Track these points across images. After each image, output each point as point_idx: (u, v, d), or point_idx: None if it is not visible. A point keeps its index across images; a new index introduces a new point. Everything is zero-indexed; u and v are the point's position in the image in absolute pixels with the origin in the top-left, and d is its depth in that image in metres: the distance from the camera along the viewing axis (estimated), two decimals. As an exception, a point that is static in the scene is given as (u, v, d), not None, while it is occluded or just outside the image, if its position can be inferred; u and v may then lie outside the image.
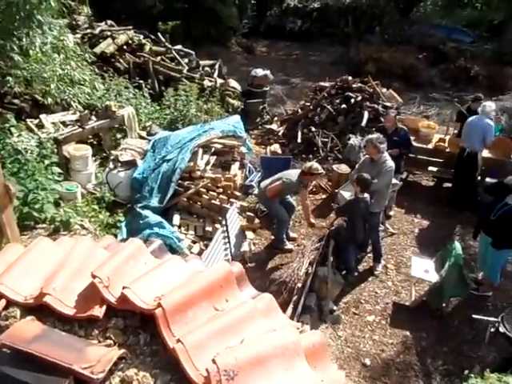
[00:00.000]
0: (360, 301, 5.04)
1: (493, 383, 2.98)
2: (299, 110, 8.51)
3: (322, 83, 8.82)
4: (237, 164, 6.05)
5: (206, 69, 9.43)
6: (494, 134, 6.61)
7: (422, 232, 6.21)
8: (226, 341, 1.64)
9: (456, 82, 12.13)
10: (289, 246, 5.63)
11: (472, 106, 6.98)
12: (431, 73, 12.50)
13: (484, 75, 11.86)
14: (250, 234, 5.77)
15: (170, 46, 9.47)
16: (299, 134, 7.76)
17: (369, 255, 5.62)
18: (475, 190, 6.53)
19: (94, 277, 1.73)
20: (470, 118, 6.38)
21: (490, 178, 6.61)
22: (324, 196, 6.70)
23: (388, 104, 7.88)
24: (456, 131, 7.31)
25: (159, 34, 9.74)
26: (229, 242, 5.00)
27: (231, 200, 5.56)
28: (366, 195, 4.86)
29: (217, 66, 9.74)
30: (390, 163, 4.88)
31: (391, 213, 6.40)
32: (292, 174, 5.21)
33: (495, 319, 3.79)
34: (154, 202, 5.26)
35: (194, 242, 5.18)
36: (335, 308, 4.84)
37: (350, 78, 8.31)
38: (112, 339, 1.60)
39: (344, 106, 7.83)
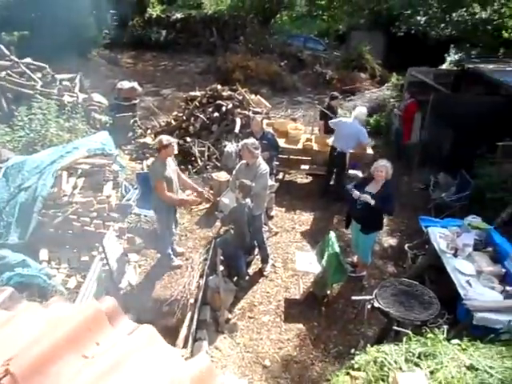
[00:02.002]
0: (254, 304, 5.12)
1: (373, 355, 3.27)
2: (173, 121, 8.35)
3: (193, 93, 8.82)
4: (110, 184, 5.61)
5: (65, 83, 8.60)
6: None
7: (303, 227, 6.62)
8: (100, 392, 1.44)
9: (315, 85, 13.39)
10: (177, 261, 5.44)
11: (330, 104, 7.76)
12: (294, 78, 13.56)
13: (337, 79, 13.33)
14: (133, 257, 5.41)
15: (16, 59, 8.38)
16: (175, 145, 7.58)
17: (257, 257, 5.76)
18: (343, 183, 7.24)
19: None
20: (343, 122, 6.90)
21: (352, 169, 7.43)
22: (207, 205, 6.66)
23: (258, 109, 8.24)
24: (318, 129, 8.01)
25: (2, 46, 8.55)
26: (110, 269, 4.59)
27: (107, 223, 5.13)
28: (248, 200, 4.97)
29: (77, 80, 8.97)
30: (265, 166, 5.07)
31: (272, 213, 6.69)
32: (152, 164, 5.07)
33: (370, 297, 4.19)
34: (13, 238, 4.56)
35: (69, 276, 4.63)
36: (230, 316, 4.83)
37: (219, 86, 8.47)
38: None
39: (216, 114, 7.94)
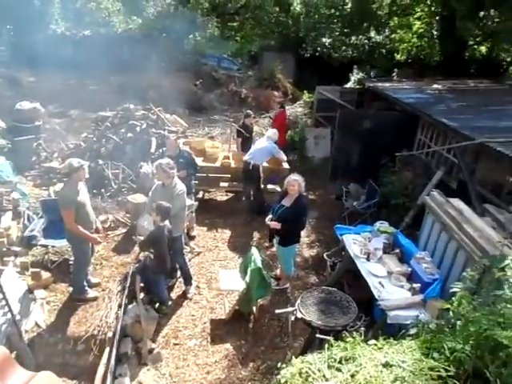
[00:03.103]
0: (179, 329, 4.91)
1: (298, 366, 3.30)
2: (82, 143, 7.86)
3: (103, 113, 8.42)
4: (8, 214, 5.06)
5: (-49, 105, 7.68)
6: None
7: (225, 245, 6.59)
8: None
9: (231, 104, 13.63)
10: (92, 293, 5.03)
11: (245, 122, 7.96)
12: (210, 97, 13.67)
13: (252, 97, 13.74)
14: (40, 293, 4.89)
15: None
16: (86, 168, 7.12)
17: (179, 280, 5.57)
18: (262, 197, 7.41)
19: None
20: (259, 141, 7.35)
21: (271, 184, 7.64)
22: (124, 230, 6.32)
23: (174, 129, 8.12)
24: (236, 147, 8.14)
25: None
26: (10, 310, 4.07)
27: (5, 259, 4.58)
28: (167, 222, 4.81)
29: (-34, 101, 8.05)
30: (181, 186, 4.97)
31: (194, 233, 6.57)
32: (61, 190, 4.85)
33: (293, 308, 4.26)
34: None
35: (-41, 325, 4.02)
36: (154, 346, 4.56)
37: (131, 106, 8.20)
38: None
39: (130, 134, 7.65)
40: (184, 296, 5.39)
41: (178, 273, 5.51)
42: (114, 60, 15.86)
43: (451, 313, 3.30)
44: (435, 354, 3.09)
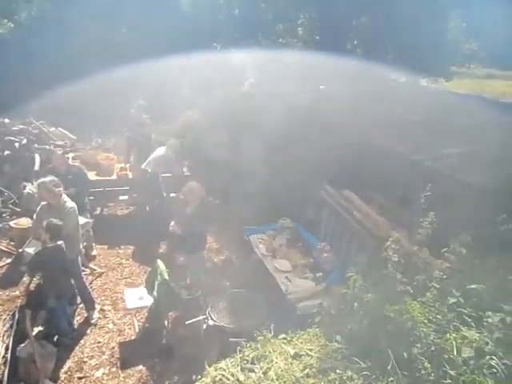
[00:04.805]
0: (83, 360, 4.49)
1: (212, 375, 3.26)
2: None
3: (-28, 130, 7.37)
4: None
5: None
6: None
7: (130, 260, 6.25)
8: None
9: (126, 112, 12.94)
10: (-29, 339, 4.35)
11: (142, 130, 7.68)
12: (101, 106, 12.80)
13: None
14: None
15: None
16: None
17: (81, 306, 5.11)
18: (165, 206, 7.17)
19: None
20: (159, 149, 7.06)
21: (172, 193, 7.43)
22: (9, 260, 5.60)
23: (60, 142, 7.46)
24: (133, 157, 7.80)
25: None
26: None
27: None
28: (60, 241, 4.37)
29: None
30: (70, 204, 4.57)
31: (94, 252, 6.12)
32: None
33: (204, 316, 4.20)
34: None
35: None
36: (54, 384, 4.11)
37: (6, 120, 7.33)
38: None
39: (7, 152, 6.83)
40: (87, 323, 4.96)
41: (78, 298, 5.05)
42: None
43: (349, 296, 3.56)
44: (338, 337, 3.30)
